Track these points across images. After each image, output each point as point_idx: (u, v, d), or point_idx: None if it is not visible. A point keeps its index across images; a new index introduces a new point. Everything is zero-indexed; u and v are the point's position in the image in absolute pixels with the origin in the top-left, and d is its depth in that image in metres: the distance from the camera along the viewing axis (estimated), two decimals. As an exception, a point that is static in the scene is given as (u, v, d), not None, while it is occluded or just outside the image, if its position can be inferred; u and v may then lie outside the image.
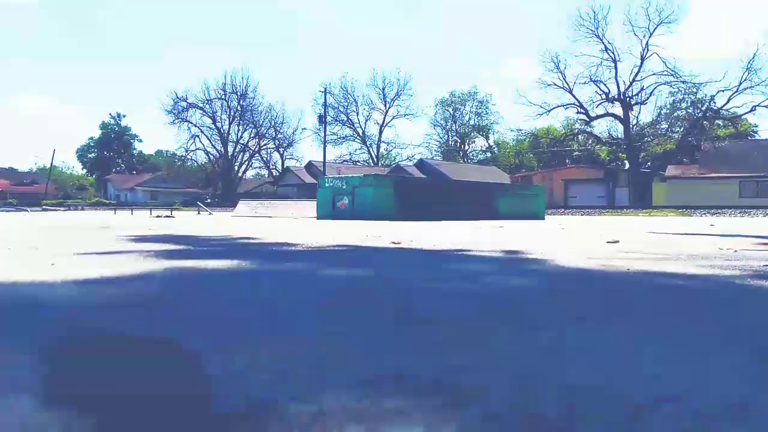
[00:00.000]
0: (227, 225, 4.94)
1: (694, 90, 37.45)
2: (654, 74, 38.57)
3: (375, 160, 57.72)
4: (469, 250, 1.91)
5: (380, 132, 59.49)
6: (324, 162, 43.53)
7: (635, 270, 1.36)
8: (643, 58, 37.57)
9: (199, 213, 14.75)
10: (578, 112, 39.53)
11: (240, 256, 1.59)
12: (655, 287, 1.09)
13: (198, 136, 55.15)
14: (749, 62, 32.88)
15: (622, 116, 39.55)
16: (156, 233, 3.16)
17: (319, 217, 8.40)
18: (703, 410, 0.42)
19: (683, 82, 36.95)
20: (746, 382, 0.48)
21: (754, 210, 17.03)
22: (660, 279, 1.20)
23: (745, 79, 33.38)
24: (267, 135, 56.80)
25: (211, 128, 55.86)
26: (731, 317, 0.78)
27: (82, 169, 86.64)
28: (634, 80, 38.83)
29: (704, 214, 15.28)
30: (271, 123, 57.12)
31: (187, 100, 53.02)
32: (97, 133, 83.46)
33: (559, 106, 37.34)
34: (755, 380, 0.48)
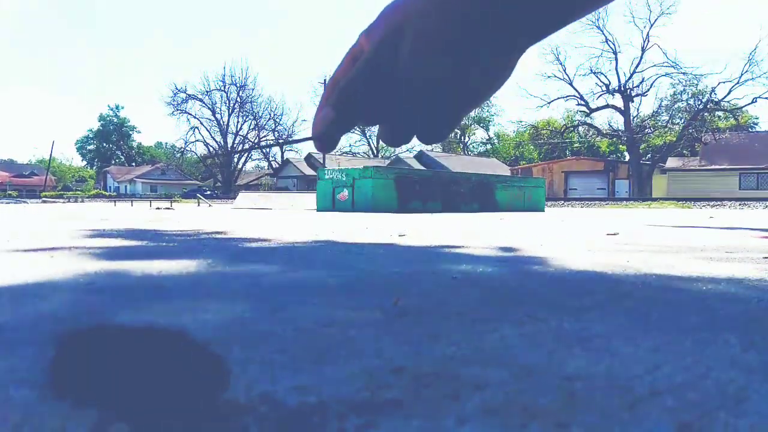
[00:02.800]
0: (224, 217, 4.95)
1: (695, 82, 37.37)
2: (654, 66, 38.46)
3: (375, 152, 57.67)
4: (466, 246, 1.92)
5: (380, 124, 59.23)
6: (323, 154, 43.39)
7: (635, 262, 1.36)
8: (643, 50, 37.43)
9: (199, 205, 14.76)
10: (578, 104, 39.45)
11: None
12: (654, 279, 1.09)
13: (197, 127, 54.96)
14: (750, 54, 32.80)
15: (623, 108, 39.45)
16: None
17: (319, 210, 8.41)
18: (701, 400, 0.42)
19: (684, 73, 36.85)
20: (743, 371, 0.48)
21: (755, 202, 17.04)
22: (659, 270, 1.20)
23: (746, 71, 33.30)
24: (267, 127, 56.61)
25: (210, 120, 55.64)
26: (731, 309, 0.78)
27: (82, 160, 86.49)
28: (634, 72, 38.70)
29: (704, 206, 15.28)
30: (270, 115, 56.89)
31: (187, 92, 52.76)
32: (96, 125, 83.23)
33: (559, 98, 37.23)
34: (752, 370, 0.48)
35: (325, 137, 0.56)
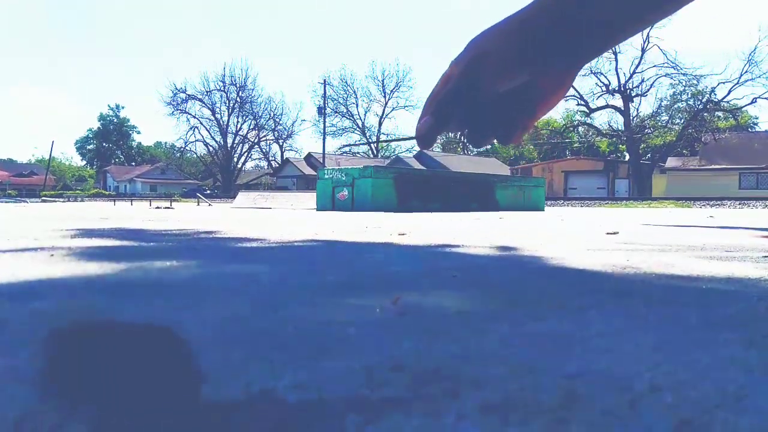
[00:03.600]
0: (224, 217, 4.95)
1: (695, 82, 37.38)
2: (654, 66, 38.49)
3: (374, 151, 57.64)
4: (466, 245, 1.92)
5: (380, 124, 59.38)
6: (323, 153, 43.46)
7: (635, 261, 1.36)
8: (643, 51, 37.43)
9: (198, 204, 14.75)
10: (578, 104, 39.47)
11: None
12: (654, 278, 1.09)
13: (197, 127, 54.97)
14: (750, 54, 32.78)
15: (623, 108, 39.45)
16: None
17: (318, 209, 8.41)
18: (701, 399, 0.42)
19: (684, 74, 36.85)
20: (742, 370, 0.48)
21: (754, 201, 17.04)
22: (659, 269, 1.20)
23: (745, 71, 33.30)
24: (266, 126, 56.64)
25: (210, 120, 55.62)
26: (732, 308, 0.78)
27: (82, 160, 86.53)
28: (634, 72, 38.70)
29: (704, 205, 15.28)
30: (270, 114, 56.90)
31: (186, 92, 52.78)
32: (96, 125, 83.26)
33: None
34: (751, 369, 0.48)
35: (426, 137, 0.71)
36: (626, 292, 0.94)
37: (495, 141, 0.73)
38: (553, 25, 0.67)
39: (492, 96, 0.69)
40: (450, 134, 0.81)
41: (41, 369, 0.50)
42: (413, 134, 0.69)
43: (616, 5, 0.66)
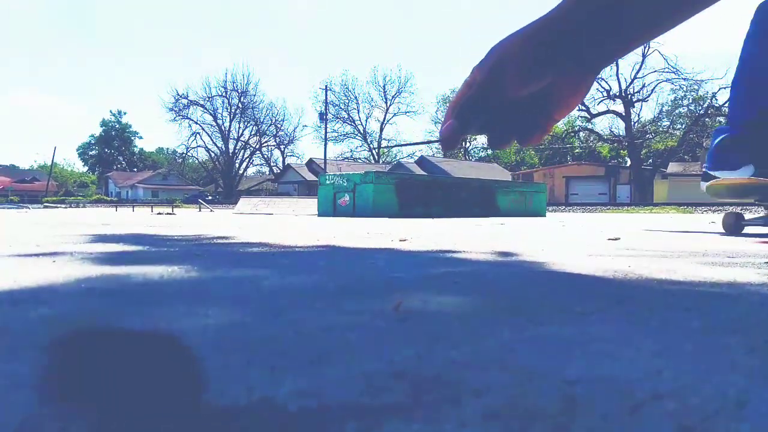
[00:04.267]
0: (226, 222, 4.95)
1: (696, 87, 37.41)
2: (655, 71, 38.53)
3: (376, 157, 57.73)
4: (467, 250, 1.92)
5: (381, 129, 59.49)
6: (325, 159, 43.52)
7: (636, 266, 1.36)
8: (644, 56, 37.48)
9: (200, 210, 14.77)
10: (579, 110, 39.52)
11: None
12: (656, 283, 1.09)
13: (199, 133, 55.14)
14: None
15: (624, 113, 39.47)
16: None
17: (320, 215, 8.41)
18: (703, 406, 0.42)
19: (685, 79, 36.89)
20: (744, 376, 0.48)
21: (755, 207, 17.01)
22: (660, 275, 1.20)
23: (746, 76, 33.25)
24: (268, 132, 56.76)
25: (212, 125, 55.75)
26: (733, 314, 0.78)
27: (84, 166, 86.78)
28: (635, 77, 38.78)
29: (706, 210, 15.27)
30: (272, 120, 57.05)
31: (188, 98, 52.94)
32: (98, 131, 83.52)
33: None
34: (753, 374, 0.48)
35: (450, 140, 0.74)
36: (627, 297, 0.93)
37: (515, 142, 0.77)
38: (576, 30, 0.68)
39: (513, 100, 0.71)
40: (473, 138, 0.84)
41: (43, 375, 0.50)
42: (434, 138, 0.74)
43: (637, 10, 0.67)
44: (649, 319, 0.74)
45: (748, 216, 3.10)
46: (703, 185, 2.90)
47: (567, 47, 0.69)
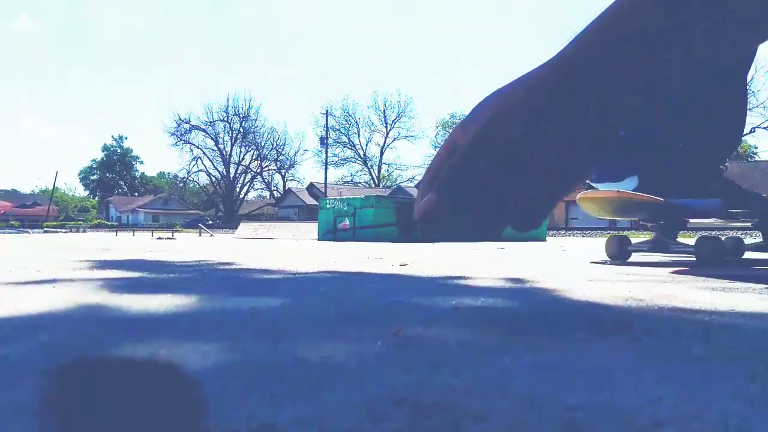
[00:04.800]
0: (226, 247, 4.95)
1: (694, 112, 37.75)
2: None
3: (376, 181, 57.94)
4: (467, 276, 1.91)
5: (381, 153, 59.79)
6: (325, 183, 43.67)
7: (636, 291, 1.36)
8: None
9: (200, 234, 14.77)
10: (578, 134, 39.78)
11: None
12: (657, 309, 1.09)
13: (200, 157, 55.46)
14: (748, 84, 33.18)
15: (622, 138, 39.69)
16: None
17: (320, 239, 8.41)
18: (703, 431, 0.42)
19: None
20: (745, 403, 0.48)
21: (756, 232, 17.00)
22: (661, 301, 1.20)
23: (743, 102, 33.59)
24: (269, 157, 57.07)
25: (213, 150, 56.06)
26: (734, 340, 0.78)
27: (85, 190, 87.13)
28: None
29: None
30: (272, 144, 57.39)
31: (190, 122, 53.40)
32: (99, 155, 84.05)
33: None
34: (754, 401, 0.48)
35: (430, 219, 0.59)
36: (627, 323, 0.93)
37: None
38: (588, 79, 0.53)
39: (506, 171, 0.55)
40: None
41: (43, 402, 0.50)
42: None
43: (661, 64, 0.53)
44: (650, 345, 0.74)
45: (635, 240, 2.76)
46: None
47: (580, 98, 0.54)
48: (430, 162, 0.64)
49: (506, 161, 0.55)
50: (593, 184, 2.44)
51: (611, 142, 0.57)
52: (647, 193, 2.27)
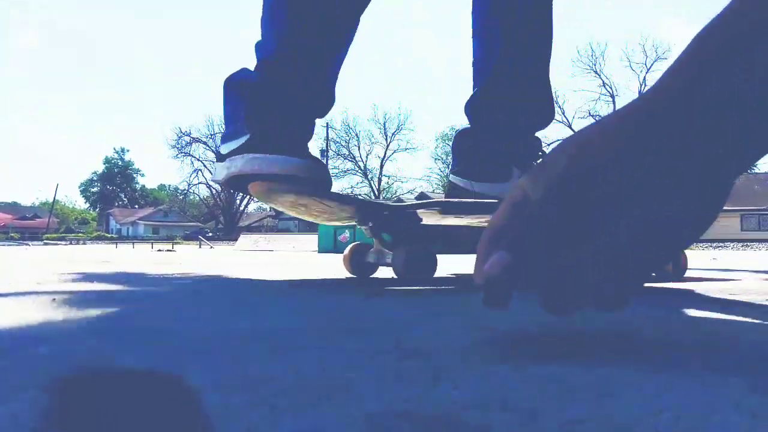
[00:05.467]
0: (226, 259, 4.95)
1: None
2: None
3: (376, 193, 58.07)
4: (467, 288, 1.91)
5: (381, 166, 59.94)
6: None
7: (638, 303, 1.36)
8: (640, 93, 38.07)
9: (200, 246, 14.77)
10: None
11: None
12: (658, 321, 1.08)
13: (200, 170, 55.58)
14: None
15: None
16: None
17: (320, 251, 8.41)
18: (705, 445, 0.42)
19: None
20: (746, 414, 0.48)
21: (757, 243, 17.03)
22: (662, 313, 1.20)
23: (742, 114, 33.74)
24: (269, 169, 57.09)
25: (213, 162, 56.30)
26: (736, 352, 0.78)
27: (85, 203, 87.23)
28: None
29: (707, 247, 15.26)
30: (273, 157, 57.49)
31: (191, 135, 53.60)
32: (100, 168, 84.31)
33: (558, 140, 37.75)
34: (756, 414, 0.48)
35: (499, 284, 0.49)
36: (629, 335, 0.93)
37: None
38: (707, 109, 0.42)
39: (599, 231, 0.46)
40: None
41: (43, 414, 0.50)
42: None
43: None
44: (651, 357, 0.74)
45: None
46: None
47: (697, 135, 0.43)
48: (489, 219, 0.50)
49: (597, 218, 0.46)
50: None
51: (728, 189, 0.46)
52: None
